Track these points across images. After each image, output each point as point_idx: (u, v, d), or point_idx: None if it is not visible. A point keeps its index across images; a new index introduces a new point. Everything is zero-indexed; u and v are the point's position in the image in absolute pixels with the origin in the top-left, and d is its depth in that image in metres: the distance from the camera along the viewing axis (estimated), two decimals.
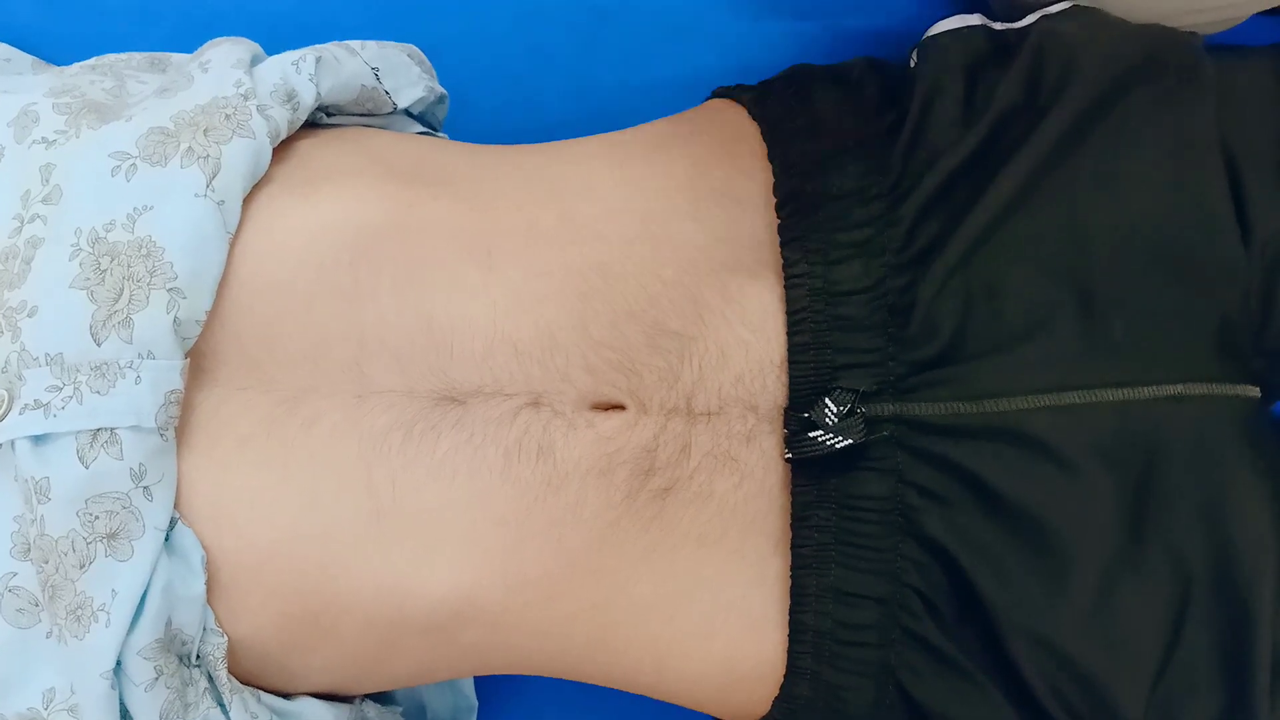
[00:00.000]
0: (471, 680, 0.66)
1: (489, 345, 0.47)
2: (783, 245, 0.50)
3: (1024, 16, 0.58)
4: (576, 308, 0.49)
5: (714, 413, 0.49)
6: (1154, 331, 0.50)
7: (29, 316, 0.44)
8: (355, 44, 0.57)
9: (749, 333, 0.50)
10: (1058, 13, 0.57)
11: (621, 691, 0.53)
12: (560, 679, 0.54)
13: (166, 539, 0.44)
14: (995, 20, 0.59)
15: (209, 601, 0.45)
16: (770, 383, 0.49)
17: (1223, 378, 0.51)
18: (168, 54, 0.62)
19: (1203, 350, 0.51)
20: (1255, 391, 0.52)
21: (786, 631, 0.49)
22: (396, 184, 0.50)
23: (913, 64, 0.56)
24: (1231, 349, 0.51)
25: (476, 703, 0.66)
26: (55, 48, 0.67)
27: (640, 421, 0.48)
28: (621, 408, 0.48)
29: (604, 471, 0.47)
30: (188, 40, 0.61)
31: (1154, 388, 0.49)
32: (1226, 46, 0.58)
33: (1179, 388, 0.49)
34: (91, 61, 0.61)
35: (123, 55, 0.62)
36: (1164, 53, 0.54)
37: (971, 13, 0.59)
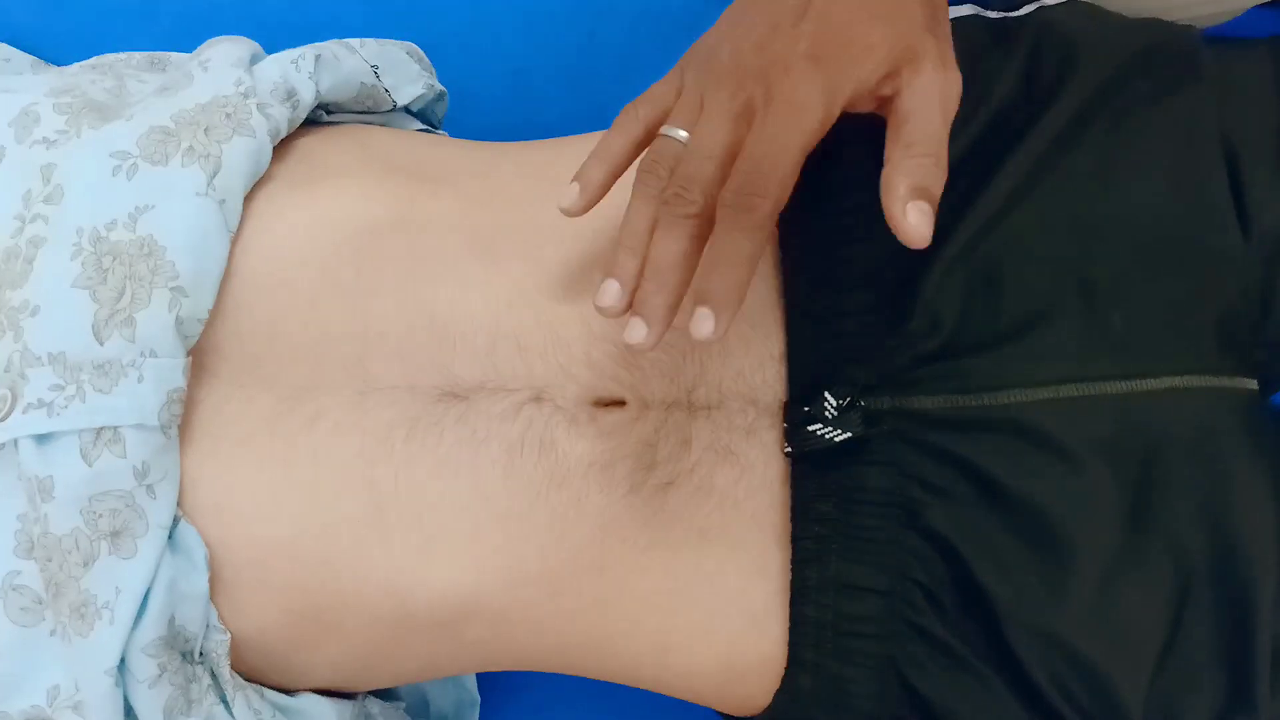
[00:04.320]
0: (473, 674, 0.66)
1: (491, 340, 0.47)
2: (782, 237, 0.51)
3: (1020, 6, 0.58)
4: (578, 302, 0.49)
5: (714, 406, 0.49)
6: (1154, 324, 0.50)
7: (31, 316, 0.44)
8: (354, 42, 0.57)
9: (749, 326, 0.50)
10: (1055, 4, 0.57)
11: (623, 686, 0.53)
12: (562, 674, 0.54)
13: (170, 536, 0.44)
14: (989, 9, 0.58)
15: (212, 598, 0.45)
16: (770, 376, 0.49)
17: (1223, 370, 0.51)
18: (167, 53, 0.62)
19: (1203, 343, 0.51)
20: (1254, 384, 0.52)
21: (788, 625, 0.49)
22: (397, 181, 0.50)
23: None
24: (1232, 341, 0.51)
25: (479, 697, 0.66)
26: (53, 47, 0.67)
27: (641, 416, 0.48)
28: (622, 403, 0.48)
29: (605, 466, 0.47)
30: (185, 40, 0.60)
31: (1155, 380, 0.49)
32: (1225, 39, 0.58)
33: (1179, 380, 0.49)
34: (91, 61, 0.61)
35: (122, 55, 0.62)
36: (1163, 45, 0.54)
37: (963, 2, 0.59)
